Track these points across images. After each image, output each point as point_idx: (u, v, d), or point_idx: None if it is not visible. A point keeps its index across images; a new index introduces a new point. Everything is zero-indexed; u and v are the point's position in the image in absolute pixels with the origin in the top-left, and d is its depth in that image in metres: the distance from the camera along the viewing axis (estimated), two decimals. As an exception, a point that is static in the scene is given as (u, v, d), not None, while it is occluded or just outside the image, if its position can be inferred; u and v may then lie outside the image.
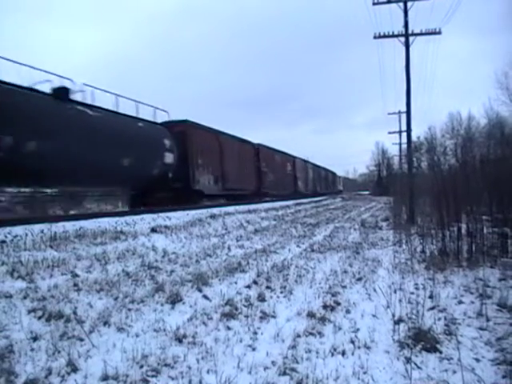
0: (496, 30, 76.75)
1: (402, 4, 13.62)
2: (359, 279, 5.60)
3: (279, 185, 29.43)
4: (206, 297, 4.66)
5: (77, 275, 5.10)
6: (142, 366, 2.89)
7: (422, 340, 3.30)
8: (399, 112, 32.40)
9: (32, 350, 3.04)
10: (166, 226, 9.60)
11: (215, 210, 13.89)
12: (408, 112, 14.15)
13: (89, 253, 6.30)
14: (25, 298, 4.08)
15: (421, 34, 13.81)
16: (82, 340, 3.25)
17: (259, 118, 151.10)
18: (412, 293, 4.80)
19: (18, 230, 7.02)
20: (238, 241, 9.11)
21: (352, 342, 3.41)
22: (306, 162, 39.37)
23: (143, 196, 14.91)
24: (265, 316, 4.04)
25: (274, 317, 4.05)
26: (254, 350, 3.28)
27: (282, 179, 30.53)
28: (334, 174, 61.85)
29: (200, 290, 4.86)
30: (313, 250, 8.10)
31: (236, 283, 5.35)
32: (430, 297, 4.53)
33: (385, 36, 14.08)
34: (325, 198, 36.40)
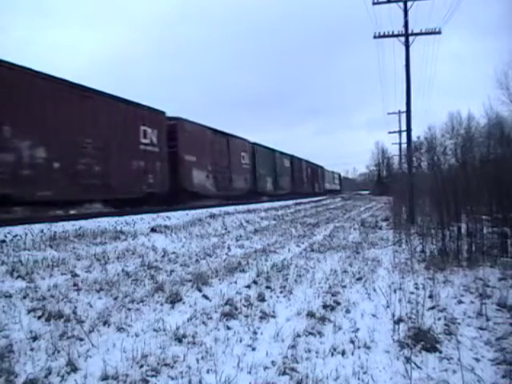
0: (496, 29, 76.82)
1: (401, 4, 13.61)
2: (359, 279, 5.60)
3: (89, 177, 11.67)
4: (205, 296, 4.66)
5: (76, 275, 5.10)
6: (141, 366, 2.89)
7: (422, 340, 3.30)
8: (399, 112, 32.37)
9: (32, 349, 3.04)
10: (165, 226, 9.60)
11: (215, 210, 13.91)
12: (408, 112, 14.13)
13: (88, 252, 6.30)
14: (24, 297, 4.08)
15: (421, 33, 13.79)
16: (81, 340, 3.25)
17: (260, 118, 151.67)
18: (412, 292, 4.80)
19: (18, 229, 7.03)
20: (237, 240, 9.10)
21: (352, 341, 3.41)
22: (227, 135, 21.34)
23: None
24: (265, 316, 4.03)
25: (273, 316, 4.05)
26: (253, 349, 3.28)
27: (119, 165, 12.71)
28: (317, 167, 46.11)
29: (200, 290, 4.86)
30: (313, 250, 8.10)
31: (236, 283, 5.34)
32: (430, 296, 4.53)
33: (385, 36, 14.06)
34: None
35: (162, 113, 15.57)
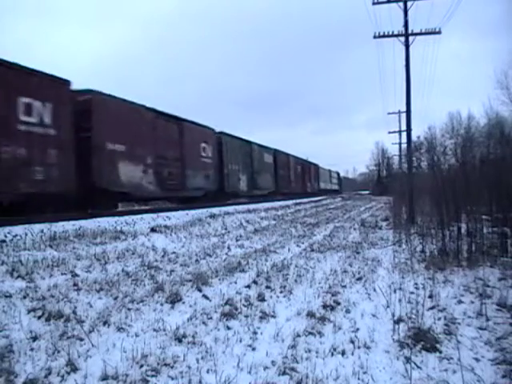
0: (496, 29, 76.93)
1: (401, 4, 13.61)
2: (359, 279, 5.59)
3: None
4: (205, 296, 4.66)
5: (76, 275, 5.10)
6: (141, 366, 2.88)
7: (422, 340, 3.30)
8: (399, 112, 32.39)
9: (32, 349, 3.04)
10: (165, 226, 9.60)
11: (215, 210, 13.92)
12: (408, 111, 14.14)
13: (88, 252, 6.30)
14: (24, 297, 4.08)
15: (421, 33, 13.80)
16: (81, 340, 3.25)
17: (261, 118, 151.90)
18: (412, 292, 4.80)
19: (18, 229, 7.03)
20: (237, 240, 9.11)
21: (352, 341, 3.40)
22: (180, 120, 16.40)
23: None
24: (264, 316, 4.03)
25: (273, 316, 4.05)
26: (253, 349, 3.28)
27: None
28: (310, 164, 41.35)
29: (200, 290, 4.86)
30: (312, 250, 8.10)
31: (236, 283, 5.34)
32: (430, 296, 4.53)
33: (385, 36, 14.06)
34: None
35: (64, 82, 10.69)
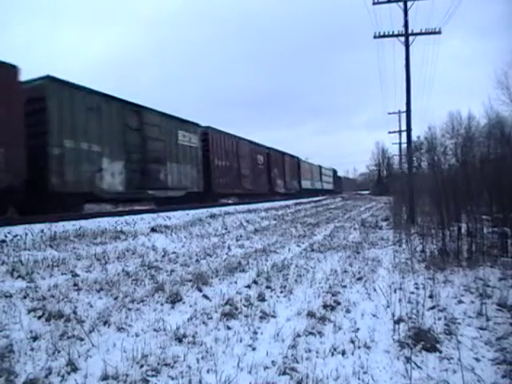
0: (496, 29, 76.98)
1: (401, 4, 13.61)
2: (359, 279, 5.59)
3: None
4: (205, 296, 4.66)
5: (77, 275, 5.10)
6: (141, 366, 2.88)
7: (422, 340, 3.30)
8: (399, 111, 32.37)
9: (32, 349, 3.04)
10: (165, 226, 9.60)
11: (215, 210, 13.91)
12: (408, 111, 14.13)
13: (89, 252, 6.30)
14: (25, 297, 4.08)
15: (421, 33, 13.78)
16: (81, 340, 3.25)
17: (262, 118, 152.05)
18: (412, 292, 4.80)
19: (18, 229, 7.03)
20: (237, 240, 9.11)
21: (352, 341, 3.40)
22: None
23: None
24: (265, 316, 4.03)
25: (274, 316, 4.05)
26: (254, 349, 3.28)
27: None
28: (283, 155, 30.93)
29: (200, 290, 4.86)
30: (313, 250, 8.10)
31: (236, 283, 5.34)
32: (430, 296, 4.53)
33: (385, 36, 14.05)
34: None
35: None
